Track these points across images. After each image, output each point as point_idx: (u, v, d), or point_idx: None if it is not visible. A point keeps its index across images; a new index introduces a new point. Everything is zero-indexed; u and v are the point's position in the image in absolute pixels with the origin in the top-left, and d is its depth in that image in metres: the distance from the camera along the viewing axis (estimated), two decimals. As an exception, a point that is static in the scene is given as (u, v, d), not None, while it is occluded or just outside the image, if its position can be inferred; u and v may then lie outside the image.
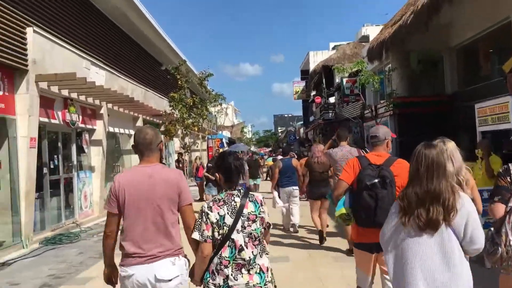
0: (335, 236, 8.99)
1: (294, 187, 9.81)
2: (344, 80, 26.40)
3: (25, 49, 9.33)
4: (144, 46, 18.83)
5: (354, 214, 3.91)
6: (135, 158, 17.32)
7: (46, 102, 10.55)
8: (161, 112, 17.18)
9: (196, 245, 3.08)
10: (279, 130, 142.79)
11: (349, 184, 3.98)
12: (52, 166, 11.17)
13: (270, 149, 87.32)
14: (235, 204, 3.10)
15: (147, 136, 3.19)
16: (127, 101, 13.93)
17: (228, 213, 3.07)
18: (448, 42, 16.36)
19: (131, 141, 17.67)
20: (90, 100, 12.63)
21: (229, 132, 56.95)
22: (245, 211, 3.10)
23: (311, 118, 49.06)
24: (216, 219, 3.05)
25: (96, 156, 13.48)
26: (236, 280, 3.02)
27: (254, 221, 3.11)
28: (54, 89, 10.55)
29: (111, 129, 14.87)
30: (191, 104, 16.63)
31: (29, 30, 9.44)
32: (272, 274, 3.22)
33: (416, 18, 13.83)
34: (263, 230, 3.17)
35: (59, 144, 11.65)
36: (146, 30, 17.32)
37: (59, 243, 9.71)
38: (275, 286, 3.24)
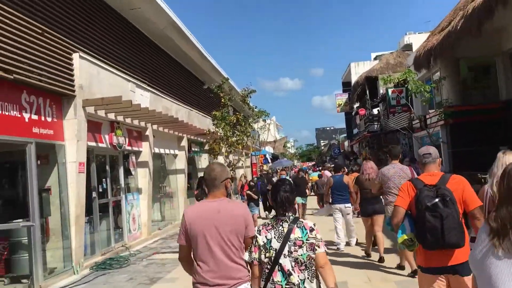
0: (390, 252, 8.51)
1: (347, 205, 9.68)
2: (390, 90, 25.64)
3: (72, 75, 9.40)
4: (186, 66, 18.92)
5: (418, 238, 3.77)
6: (181, 178, 17.31)
7: (93, 126, 10.60)
8: (205, 131, 17.10)
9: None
10: (322, 144, 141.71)
11: (405, 209, 3.90)
12: (100, 190, 11.19)
13: (313, 163, 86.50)
14: (282, 229, 3.25)
15: (212, 173, 3.38)
16: (172, 122, 13.90)
17: (275, 237, 3.23)
18: (501, 46, 15.54)
19: (177, 161, 17.70)
20: (136, 122, 12.66)
21: (272, 148, 56.72)
22: (292, 236, 3.21)
23: (355, 131, 48.13)
24: (263, 242, 3.24)
25: (143, 178, 13.47)
26: None
27: (300, 247, 3.19)
28: (101, 113, 10.59)
29: (156, 150, 14.88)
30: (234, 121, 16.46)
31: (75, 56, 9.52)
32: None
33: (467, 23, 13.16)
34: (312, 255, 3.21)
35: (107, 167, 11.68)
36: (188, 50, 17.39)
37: (109, 268, 9.61)
38: None
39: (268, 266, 3.20)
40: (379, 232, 8.37)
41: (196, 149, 20.27)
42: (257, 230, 3.29)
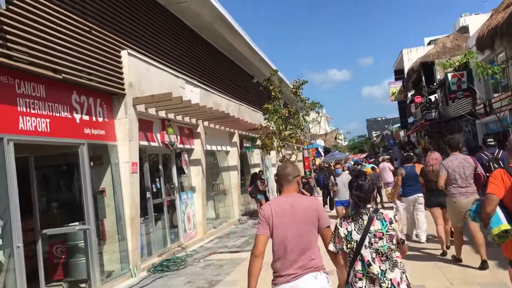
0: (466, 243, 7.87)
1: (419, 194, 9.20)
2: (449, 75, 24.23)
3: (121, 73, 9.15)
4: (234, 60, 18.50)
5: None
6: (233, 174, 16.96)
7: (145, 125, 10.35)
8: (256, 126, 16.65)
9: (333, 256, 3.53)
10: (374, 134, 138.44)
11: (500, 197, 3.70)
12: (154, 190, 10.95)
13: (365, 155, 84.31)
14: (362, 221, 3.41)
15: (285, 170, 3.67)
16: (223, 117, 13.52)
17: (355, 229, 3.40)
18: None
19: (229, 158, 17.36)
20: (186, 119, 12.35)
21: (323, 141, 55.61)
22: (372, 228, 3.35)
23: (410, 120, 46.26)
24: (344, 234, 3.43)
25: (196, 176, 13.17)
26: None
27: (381, 238, 3.33)
28: (152, 111, 10.32)
29: (208, 147, 14.56)
30: (287, 115, 15.89)
31: (123, 53, 9.26)
32: (408, 286, 3.37)
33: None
34: (392, 246, 3.35)
35: (160, 167, 11.44)
36: (236, 43, 16.95)
37: (166, 270, 9.33)
38: None
39: (351, 256, 3.41)
40: (448, 225, 8.07)
41: (247, 145, 19.87)
42: (339, 223, 3.49)
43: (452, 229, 7.85)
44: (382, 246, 3.32)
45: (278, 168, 3.83)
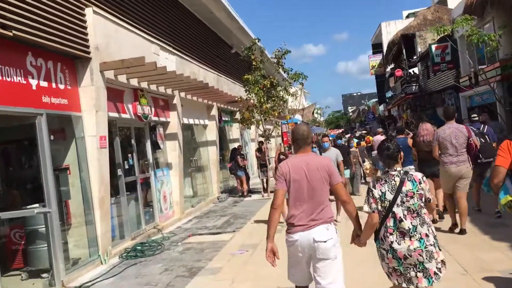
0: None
1: (411, 167, 8.60)
2: (433, 46, 23.58)
3: (86, 34, 7.99)
4: (213, 28, 17.30)
5: None
6: (212, 150, 16.02)
7: (115, 95, 9.26)
8: (236, 98, 15.63)
9: (353, 210, 3.88)
10: (349, 110, 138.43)
11: (507, 168, 3.98)
12: (126, 167, 9.92)
13: (341, 130, 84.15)
14: (394, 183, 3.77)
15: (301, 132, 3.96)
16: (201, 88, 12.45)
17: (388, 190, 3.77)
18: None
19: (207, 132, 16.33)
20: (161, 89, 11.26)
21: (300, 116, 54.85)
22: (403, 189, 3.73)
23: (389, 94, 45.89)
24: (379, 195, 3.79)
25: (172, 151, 12.16)
26: (400, 245, 3.69)
27: (412, 197, 3.71)
28: (122, 78, 9.22)
29: (185, 121, 13.52)
30: (268, 86, 14.90)
31: (88, 11, 8.08)
32: (435, 238, 3.74)
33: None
34: (421, 204, 3.74)
35: (133, 141, 10.39)
36: (215, 9, 15.77)
37: (140, 256, 8.40)
38: (439, 249, 3.76)
39: (383, 214, 3.76)
40: (440, 193, 8.13)
41: (226, 119, 18.87)
42: (373, 185, 3.84)
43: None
44: (413, 204, 3.71)
45: (294, 129, 4.10)
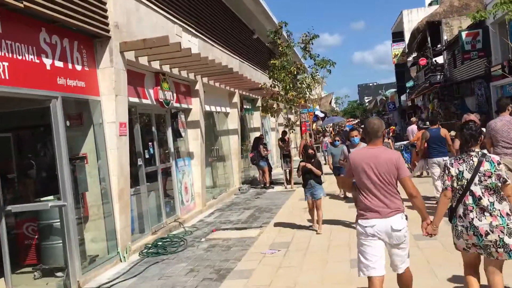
0: None
1: (445, 158, 8.75)
2: (463, 33, 22.44)
3: (105, 10, 7.28)
4: (234, 10, 16.44)
5: None
6: (233, 139, 15.34)
7: (135, 78, 8.58)
8: (260, 85, 14.87)
9: (420, 203, 4.04)
10: (366, 100, 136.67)
11: None
12: (147, 156, 9.25)
13: (357, 120, 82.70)
14: (472, 162, 3.98)
15: (374, 126, 4.14)
16: (226, 73, 11.73)
17: (466, 169, 3.99)
18: None
19: (228, 121, 15.62)
20: (184, 73, 10.55)
21: (318, 105, 53.83)
22: (481, 169, 3.93)
23: (410, 84, 44.65)
24: (456, 173, 4.03)
25: (194, 140, 11.48)
26: (481, 221, 3.87)
27: (489, 177, 3.91)
28: (143, 60, 8.52)
29: (206, 108, 12.81)
30: (295, 73, 14.09)
31: (107, -15, 7.37)
32: None
33: None
34: (499, 184, 3.91)
35: (153, 129, 9.71)
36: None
37: (162, 253, 7.74)
38: None
39: (460, 192, 4.00)
40: None
41: (247, 107, 18.11)
42: (450, 163, 4.11)
43: None
44: (490, 183, 3.90)
45: (366, 123, 4.25)
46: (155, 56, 8.55)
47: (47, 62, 6.17)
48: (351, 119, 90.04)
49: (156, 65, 9.04)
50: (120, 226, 7.45)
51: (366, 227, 4.02)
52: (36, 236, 7.02)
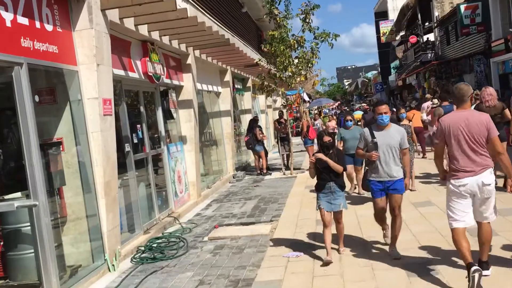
0: None
1: None
2: (462, 7, 21.34)
3: (81, -45, 5.74)
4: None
5: None
6: (226, 122, 13.94)
7: (119, 46, 7.09)
8: (255, 61, 13.43)
9: (506, 160, 4.28)
10: (346, 82, 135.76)
11: None
12: (135, 141, 7.79)
13: (337, 103, 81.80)
14: None
15: (461, 91, 4.35)
16: (221, 46, 10.26)
17: None
18: None
19: (220, 101, 14.15)
20: (175, 44, 9.04)
21: (301, 88, 52.55)
22: None
23: (395, 63, 43.73)
24: None
25: (186, 122, 10.03)
26: None
27: None
28: (129, 23, 7.00)
29: (198, 86, 11.33)
30: (295, 46, 12.67)
31: None
32: None
33: None
34: None
35: (142, 109, 8.23)
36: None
37: (160, 258, 6.34)
38: None
39: None
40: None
41: (238, 87, 16.69)
42: None
43: None
44: None
45: (454, 88, 4.49)
46: (144, 18, 7.02)
47: (7, 16, 4.64)
48: (331, 102, 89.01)
49: (144, 30, 7.52)
50: (107, 228, 6.01)
51: (459, 186, 4.25)
52: (1, 242, 5.55)
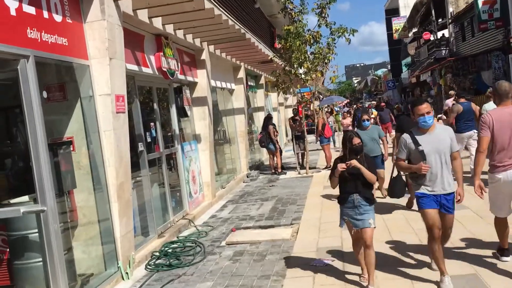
0: None
1: (475, 131, 8.15)
2: (480, 2, 20.74)
3: None
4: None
5: None
6: (239, 119, 13.52)
7: (132, 40, 6.69)
8: (269, 57, 12.99)
9: None
10: (355, 80, 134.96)
11: None
12: (149, 139, 7.40)
13: (346, 101, 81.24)
14: None
15: (505, 88, 4.52)
16: (236, 41, 9.85)
17: None
18: None
19: (233, 99, 13.74)
20: (189, 38, 8.63)
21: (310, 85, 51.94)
22: None
23: (407, 60, 43.12)
24: None
25: (201, 120, 9.63)
26: None
27: None
28: (143, 16, 6.60)
29: (212, 83, 10.92)
30: (312, 41, 12.22)
31: None
32: None
33: None
34: None
35: (155, 106, 7.84)
36: None
37: (176, 265, 5.94)
38: None
39: None
40: None
41: (251, 84, 16.27)
42: None
43: None
44: None
45: (497, 86, 4.63)
46: (158, 10, 6.61)
47: (11, 4, 4.25)
48: (343, 100, 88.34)
49: (158, 23, 7.12)
50: (120, 232, 5.62)
51: (496, 181, 4.47)
52: (7, 249, 5.18)
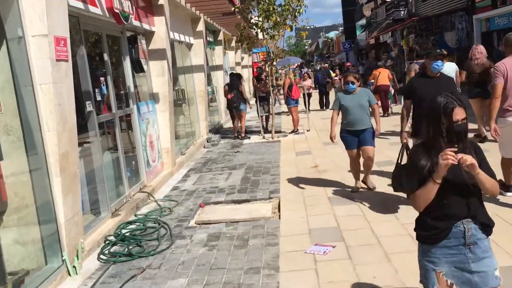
0: None
1: None
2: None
3: None
4: None
5: None
6: (199, 78, 12.30)
7: (76, -31, 5.21)
8: (233, 8, 11.63)
9: None
10: (305, 42, 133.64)
11: None
12: (98, 98, 6.03)
13: (302, 61, 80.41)
14: None
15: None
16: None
17: None
18: None
19: (192, 55, 12.33)
20: (146, -24, 7.18)
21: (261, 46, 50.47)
22: None
23: (362, 22, 42.57)
24: None
25: (159, 76, 8.27)
26: None
27: None
28: None
29: (170, 35, 9.49)
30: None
31: None
32: None
33: None
34: None
35: (105, 57, 6.42)
36: None
37: (137, 255, 4.77)
38: None
39: None
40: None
41: (210, 39, 14.85)
42: None
43: None
44: None
45: (506, 38, 5.24)
46: None
47: None
48: (300, 61, 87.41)
49: (109, -50, 5.66)
50: (65, 215, 4.37)
51: (506, 122, 5.05)
52: None
